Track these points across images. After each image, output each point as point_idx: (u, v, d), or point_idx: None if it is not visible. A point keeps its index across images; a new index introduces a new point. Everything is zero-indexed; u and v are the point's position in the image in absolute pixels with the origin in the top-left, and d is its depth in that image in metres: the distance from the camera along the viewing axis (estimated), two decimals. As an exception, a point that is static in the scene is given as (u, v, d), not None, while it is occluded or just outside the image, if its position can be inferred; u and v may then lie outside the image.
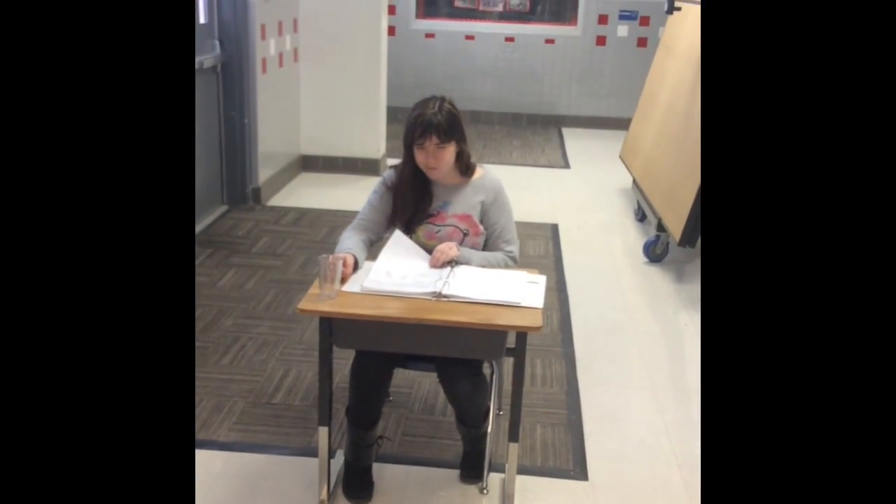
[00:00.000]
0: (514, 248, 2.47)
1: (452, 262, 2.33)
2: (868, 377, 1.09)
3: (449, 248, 2.34)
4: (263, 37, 5.03)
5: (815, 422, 1.11)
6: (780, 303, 1.14)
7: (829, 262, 1.12)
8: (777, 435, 1.14)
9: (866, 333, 1.10)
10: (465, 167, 2.44)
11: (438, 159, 2.35)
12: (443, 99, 2.38)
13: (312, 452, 2.42)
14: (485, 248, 2.48)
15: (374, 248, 2.46)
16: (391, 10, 6.89)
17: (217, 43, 4.82)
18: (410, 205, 2.43)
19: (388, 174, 2.50)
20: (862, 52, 1.12)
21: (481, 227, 2.45)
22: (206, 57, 4.68)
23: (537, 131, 7.90)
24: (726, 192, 1.19)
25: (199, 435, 2.64)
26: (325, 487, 2.32)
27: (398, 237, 2.40)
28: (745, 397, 1.15)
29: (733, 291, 1.17)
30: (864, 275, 1.10)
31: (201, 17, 4.70)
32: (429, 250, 2.40)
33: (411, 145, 2.37)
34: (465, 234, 2.42)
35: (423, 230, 2.44)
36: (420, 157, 2.36)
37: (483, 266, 2.37)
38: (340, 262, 2.20)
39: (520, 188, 5.75)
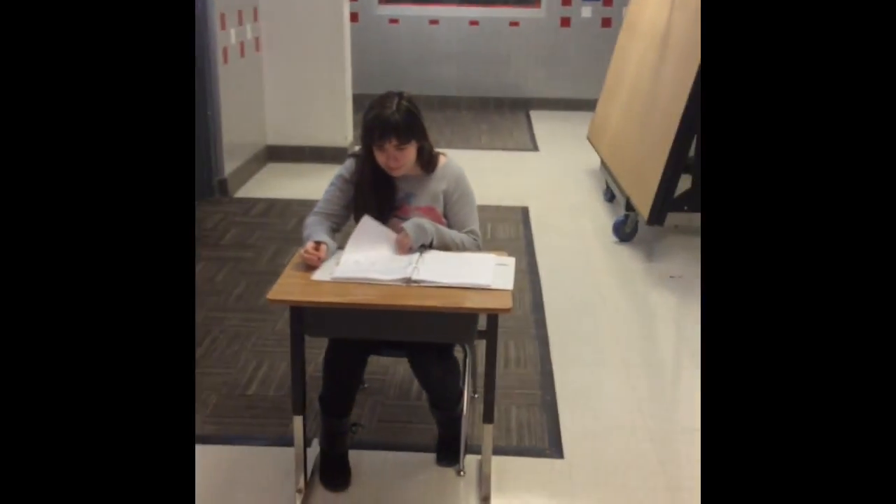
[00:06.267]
0: (477, 238, 2.46)
1: (422, 247, 2.33)
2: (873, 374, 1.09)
3: (405, 238, 2.30)
4: (223, 26, 4.97)
5: (818, 426, 1.10)
6: (781, 300, 1.13)
7: (827, 257, 1.12)
8: (782, 438, 1.14)
9: (868, 330, 1.09)
10: (426, 163, 2.41)
11: (399, 160, 2.31)
12: (400, 95, 2.32)
13: (288, 442, 2.41)
14: None
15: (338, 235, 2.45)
16: (354, -4, 6.84)
17: (177, 34, 4.76)
18: (374, 200, 2.39)
19: (347, 165, 2.46)
20: (862, 52, 1.12)
21: (444, 221, 2.44)
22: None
23: (505, 115, 7.90)
24: (726, 188, 1.18)
25: (173, 430, 2.62)
26: (302, 476, 2.32)
27: (366, 223, 2.37)
28: (746, 398, 1.15)
29: (734, 296, 1.17)
30: (864, 271, 1.10)
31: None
32: None
33: (370, 145, 2.32)
34: None
35: (389, 224, 2.42)
36: (381, 159, 2.32)
37: (453, 243, 2.36)
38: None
39: (489, 172, 5.76)
